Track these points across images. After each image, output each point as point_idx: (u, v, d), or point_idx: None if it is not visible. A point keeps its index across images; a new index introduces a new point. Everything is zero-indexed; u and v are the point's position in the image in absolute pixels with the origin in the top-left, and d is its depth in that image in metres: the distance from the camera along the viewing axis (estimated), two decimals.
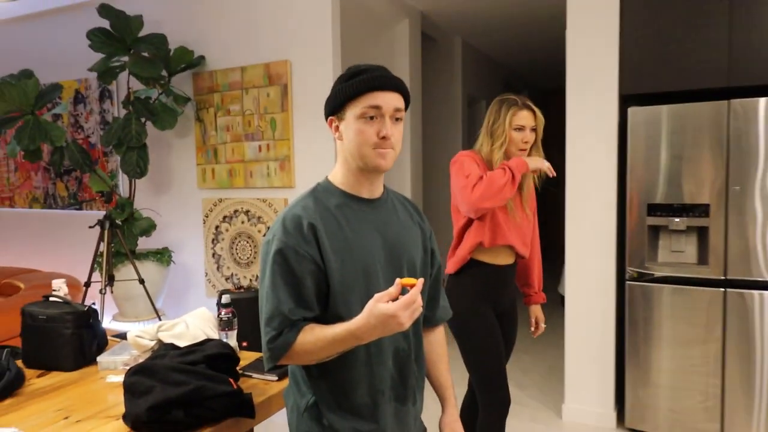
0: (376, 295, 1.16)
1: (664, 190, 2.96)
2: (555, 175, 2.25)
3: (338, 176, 1.38)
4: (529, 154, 2.27)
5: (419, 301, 1.15)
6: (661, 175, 2.96)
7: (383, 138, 1.27)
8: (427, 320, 1.54)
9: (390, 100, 1.28)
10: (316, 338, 1.23)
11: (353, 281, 1.29)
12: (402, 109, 1.31)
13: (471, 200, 2.12)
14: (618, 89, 3.08)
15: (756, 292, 2.80)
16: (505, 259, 2.30)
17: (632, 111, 3.00)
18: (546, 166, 2.23)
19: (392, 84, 1.29)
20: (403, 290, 1.16)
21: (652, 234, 3.01)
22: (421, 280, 1.17)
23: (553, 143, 10.52)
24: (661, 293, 2.98)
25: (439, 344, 1.59)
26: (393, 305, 1.13)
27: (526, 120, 2.21)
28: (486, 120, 2.29)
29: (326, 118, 1.36)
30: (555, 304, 5.87)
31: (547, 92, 9.88)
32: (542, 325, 2.50)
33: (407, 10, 4.88)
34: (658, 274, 2.98)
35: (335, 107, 1.32)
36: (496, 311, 2.32)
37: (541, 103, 8.88)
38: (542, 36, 6.00)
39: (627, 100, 3.21)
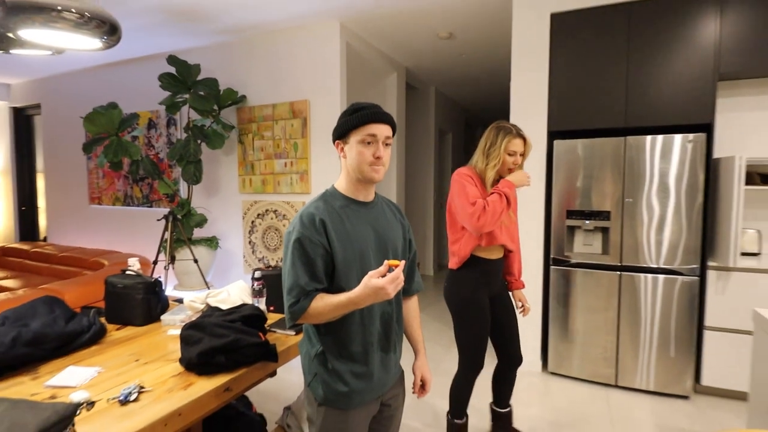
0: (370, 273, 1.21)
1: (578, 200, 2.97)
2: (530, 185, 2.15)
3: (342, 185, 1.39)
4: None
5: (401, 278, 1.19)
6: (577, 189, 2.97)
7: (377, 158, 1.31)
8: (404, 291, 1.56)
9: (382, 130, 1.31)
10: (325, 304, 1.26)
11: (352, 262, 1.31)
12: (390, 136, 1.33)
13: (476, 227, 1.97)
14: (547, 126, 3.10)
15: (642, 275, 2.82)
16: (496, 254, 2.14)
17: (556, 143, 3.01)
18: (527, 182, 2.06)
19: (384, 118, 1.32)
20: (390, 269, 1.20)
21: (569, 232, 3.02)
22: (403, 262, 1.22)
23: None
24: (576, 275, 3.00)
25: (414, 309, 1.59)
26: (382, 280, 1.17)
27: (518, 147, 2.03)
28: (483, 141, 2.09)
29: (333, 142, 1.38)
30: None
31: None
32: (527, 306, 2.24)
33: (396, 66, 4.88)
34: (573, 260, 3.00)
35: (342, 134, 1.34)
36: (490, 296, 2.17)
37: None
38: (493, 87, 6.02)
39: (553, 135, 3.22)
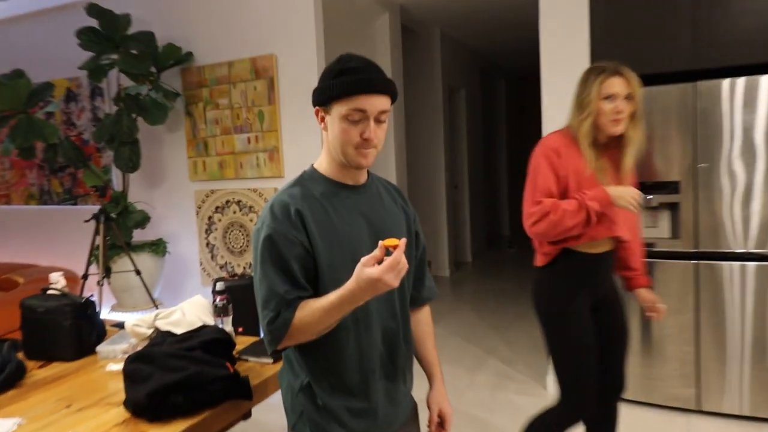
0: (363, 259, 1.15)
1: (636, 169, 2.95)
2: (645, 202, 1.93)
3: (323, 164, 1.37)
4: (624, 132, 1.96)
5: (404, 262, 1.14)
6: None
7: (366, 140, 1.26)
8: (413, 300, 1.53)
9: (375, 103, 1.24)
10: (312, 310, 1.23)
11: (341, 263, 1.29)
12: (387, 110, 1.28)
13: (530, 232, 1.93)
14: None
15: (726, 264, 2.82)
16: (603, 246, 1.99)
17: None
18: (632, 205, 1.87)
19: (379, 87, 1.25)
20: (387, 252, 1.16)
21: None
22: (403, 240, 1.15)
23: (531, 126, 10.49)
24: None
25: (426, 323, 1.58)
26: (378, 269, 1.13)
27: (617, 87, 1.90)
28: (576, 91, 2.02)
29: (313, 105, 1.34)
30: None
31: (522, 78, 9.87)
32: (660, 306, 2.09)
33: (387, 4, 4.83)
34: None
35: (322, 101, 1.30)
36: (594, 301, 2.02)
37: (517, 89, 8.91)
38: (517, 23, 5.98)
39: None
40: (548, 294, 2.03)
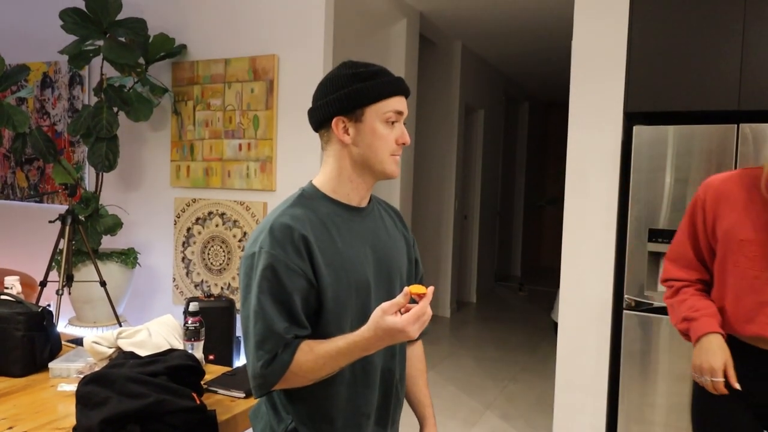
0: (384, 305, 1.16)
1: (667, 214, 2.97)
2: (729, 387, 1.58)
3: (329, 183, 1.36)
4: None
5: (429, 312, 1.17)
6: (665, 198, 2.97)
7: (402, 144, 1.34)
8: None
9: (405, 107, 1.34)
10: (316, 356, 1.21)
11: (347, 298, 1.29)
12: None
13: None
14: (624, 106, 3.11)
15: None
16: None
17: (637, 129, 3.02)
18: (708, 380, 1.59)
19: (407, 89, 1.35)
20: (412, 300, 1.19)
21: (652, 260, 3.02)
22: (431, 289, 1.19)
23: (553, 159, 10.52)
24: (660, 324, 2.99)
25: (419, 359, 1.59)
26: (402, 319, 1.14)
27: None
28: None
29: (324, 119, 1.33)
30: (547, 330, 5.89)
31: (549, 105, 9.97)
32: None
33: (405, 10, 4.90)
34: (657, 303, 2.99)
35: (350, 107, 1.30)
36: (757, 408, 1.67)
37: (541, 116, 8.99)
38: (546, 45, 6.06)
39: (632, 117, 3.23)
40: (695, 393, 1.75)
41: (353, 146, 1.32)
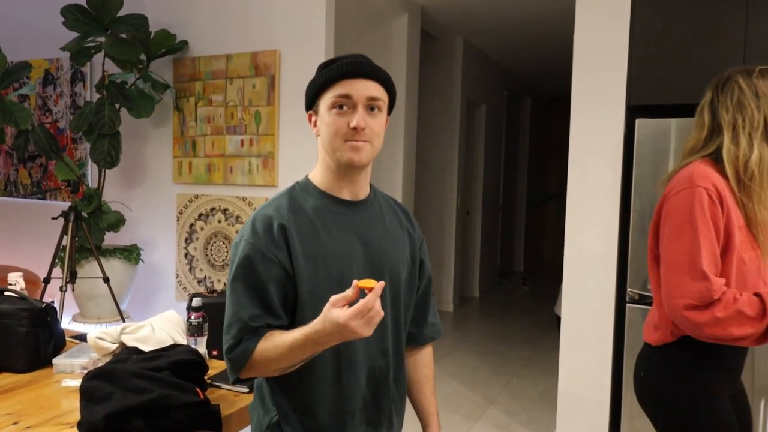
0: (332, 298, 1.13)
1: None
2: None
3: (317, 175, 1.38)
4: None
5: (377, 308, 1.11)
6: None
7: (354, 129, 1.26)
8: (412, 338, 1.52)
9: (362, 89, 1.27)
10: (275, 345, 1.22)
11: (326, 290, 1.25)
12: (379, 98, 1.30)
13: (681, 315, 1.54)
14: (626, 99, 3.10)
15: None
16: None
17: (640, 123, 3.01)
18: None
19: (364, 71, 1.29)
20: (363, 294, 1.13)
21: None
22: (380, 284, 1.12)
23: (555, 154, 10.50)
24: None
25: (426, 365, 1.56)
26: (344, 313, 1.10)
27: None
28: (751, 109, 1.60)
29: (307, 113, 1.38)
30: (550, 325, 5.89)
31: (550, 100, 9.95)
32: None
33: (407, 5, 4.89)
34: None
35: (310, 100, 1.35)
36: (732, 395, 1.70)
37: (543, 111, 8.98)
38: (548, 40, 6.04)
39: (634, 111, 3.23)
40: (672, 382, 1.68)
41: (320, 138, 1.34)
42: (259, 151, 3.90)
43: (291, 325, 1.27)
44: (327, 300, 1.18)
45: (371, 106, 1.29)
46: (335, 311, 1.11)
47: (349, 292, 1.12)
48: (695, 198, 1.55)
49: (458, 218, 6.56)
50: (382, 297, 1.29)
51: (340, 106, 1.28)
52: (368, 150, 1.29)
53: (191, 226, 4.18)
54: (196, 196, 4.16)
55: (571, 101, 3.25)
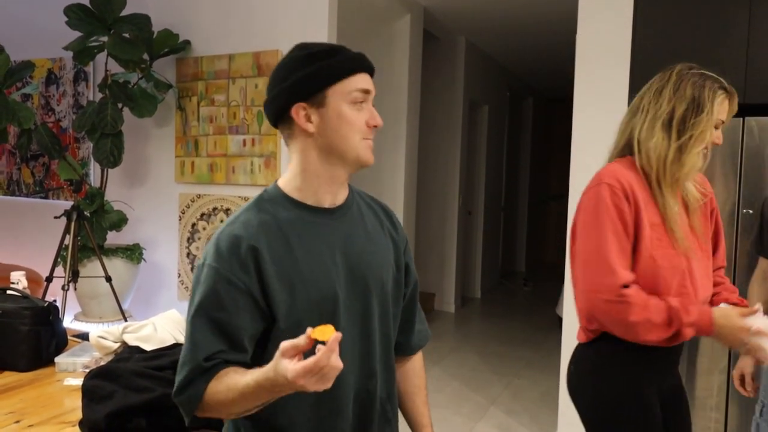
0: (282, 346, 0.95)
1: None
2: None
3: (293, 182, 1.22)
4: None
5: (332, 364, 0.93)
6: None
7: (375, 127, 1.20)
8: (400, 349, 1.40)
9: (371, 84, 1.20)
10: (228, 387, 1.06)
11: (306, 317, 1.13)
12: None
13: (587, 307, 1.58)
14: (628, 100, 3.09)
15: None
16: None
17: None
18: (746, 341, 1.48)
19: (370, 65, 1.21)
20: (317, 344, 0.95)
21: None
22: (335, 336, 0.94)
23: (557, 154, 10.51)
24: None
25: (416, 375, 1.45)
26: (293, 369, 0.93)
27: (727, 114, 1.60)
28: (665, 101, 1.60)
29: (284, 107, 1.17)
30: (552, 325, 5.89)
31: (552, 101, 9.94)
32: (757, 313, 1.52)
33: (409, 5, 4.89)
34: None
35: (309, 90, 1.15)
36: (661, 399, 1.67)
37: (545, 112, 8.97)
38: (550, 40, 6.03)
39: None
40: (595, 378, 1.68)
41: (319, 136, 1.17)
42: (261, 151, 3.90)
43: (262, 358, 1.13)
44: (307, 325, 1.01)
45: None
46: (284, 363, 0.95)
47: (300, 341, 0.95)
48: (600, 194, 1.57)
49: (460, 218, 6.56)
50: (368, 315, 1.23)
51: (361, 102, 1.17)
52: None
53: (193, 225, 4.19)
54: (199, 196, 4.16)
55: (573, 101, 3.25)
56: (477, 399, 4.03)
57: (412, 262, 1.40)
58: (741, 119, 2.84)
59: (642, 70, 3.06)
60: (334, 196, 1.23)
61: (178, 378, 1.12)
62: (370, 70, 1.20)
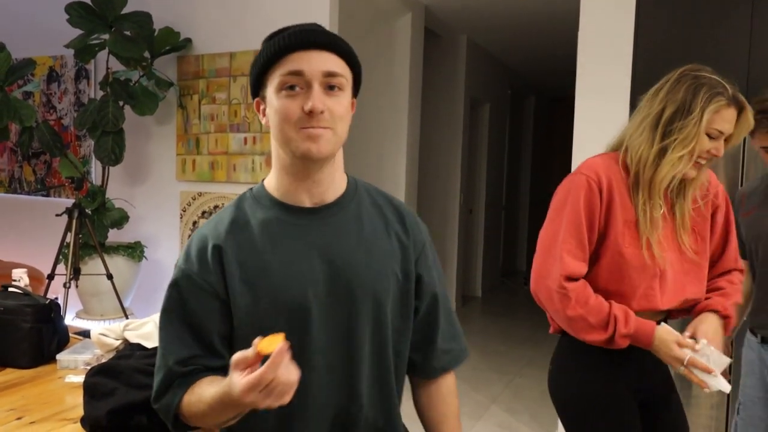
0: (233, 357, 0.88)
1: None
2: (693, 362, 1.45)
3: (272, 180, 1.15)
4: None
5: (281, 378, 0.85)
6: None
7: (310, 113, 1.00)
8: (418, 369, 1.25)
9: (317, 62, 1.01)
10: (198, 399, 1.01)
11: (270, 323, 1.02)
12: (338, 73, 1.04)
13: (534, 290, 1.60)
14: (630, 98, 3.09)
15: None
16: (653, 315, 1.59)
17: None
18: (677, 363, 1.47)
19: (318, 40, 1.03)
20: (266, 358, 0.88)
21: None
22: (279, 347, 0.85)
23: (558, 152, 10.50)
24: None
25: (442, 401, 1.27)
26: (240, 384, 0.86)
27: (728, 124, 1.50)
28: (656, 100, 1.58)
29: (253, 100, 1.13)
30: None
31: (554, 99, 9.93)
32: (700, 343, 1.49)
33: (410, 4, 4.89)
34: None
35: (255, 82, 1.09)
36: (642, 398, 1.65)
37: (547, 110, 8.96)
38: (552, 38, 6.03)
39: None
40: (569, 375, 1.67)
41: (273, 130, 1.08)
42: (262, 148, 3.90)
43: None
44: (274, 331, 0.93)
45: (330, 85, 1.03)
46: (235, 377, 0.88)
47: (249, 352, 0.87)
48: (574, 183, 1.56)
49: (461, 217, 6.56)
50: (353, 328, 1.09)
51: (291, 87, 1.01)
52: (330, 138, 1.03)
53: (194, 223, 4.19)
54: (200, 194, 4.16)
55: (575, 100, 3.25)
56: (478, 397, 4.04)
57: (431, 271, 1.21)
58: None
59: (644, 68, 3.06)
60: (313, 193, 1.10)
61: (154, 384, 1.08)
62: (319, 46, 1.03)
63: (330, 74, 1.02)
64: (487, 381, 4.36)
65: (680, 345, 1.47)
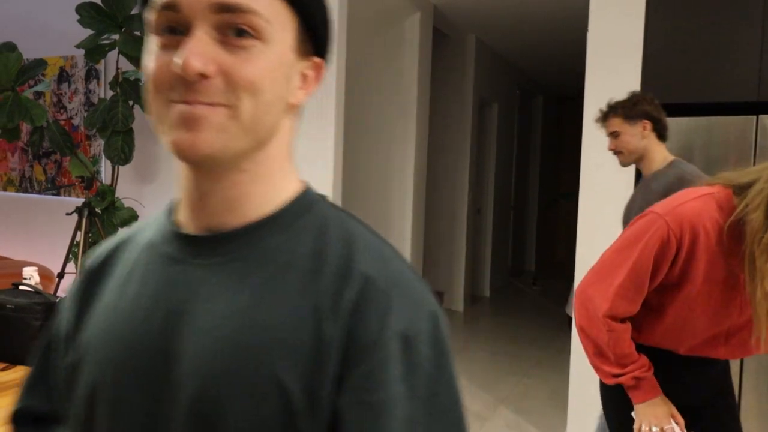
0: None
1: None
2: None
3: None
4: None
5: None
6: None
7: (185, 68, 0.56)
8: None
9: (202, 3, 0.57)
10: None
11: (75, 409, 0.68)
12: (249, 7, 0.58)
13: (590, 335, 1.57)
14: None
15: None
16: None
17: None
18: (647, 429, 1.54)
19: None
20: None
21: None
22: None
23: (567, 152, 10.45)
24: None
25: None
26: None
27: None
28: None
29: None
30: (562, 324, 5.87)
31: (563, 99, 9.90)
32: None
33: (419, 3, 4.88)
34: None
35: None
36: (695, 401, 1.68)
37: (556, 110, 8.94)
38: (561, 38, 6.01)
39: None
40: (619, 401, 1.65)
41: None
42: None
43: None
44: (100, 398, 0.65)
45: (235, 27, 0.58)
46: None
47: None
48: (652, 227, 1.47)
49: (469, 217, 6.54)
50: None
51: (170, 30, 0.60)
52: (221, 124, 0.60)
53: None
54: None
55: (584, 99, 3.23)
56: (486, 397, 4.03)
57: (369, 409, 0.58)
58: (755, 117, 2.81)
59: (654, 68, 3.05)
60: (197, 216, 0.68)
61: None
62: None
63: (225, 7, 0.57)
64: (495, 381, 4.35)
65: (672, 416, 1.54)
